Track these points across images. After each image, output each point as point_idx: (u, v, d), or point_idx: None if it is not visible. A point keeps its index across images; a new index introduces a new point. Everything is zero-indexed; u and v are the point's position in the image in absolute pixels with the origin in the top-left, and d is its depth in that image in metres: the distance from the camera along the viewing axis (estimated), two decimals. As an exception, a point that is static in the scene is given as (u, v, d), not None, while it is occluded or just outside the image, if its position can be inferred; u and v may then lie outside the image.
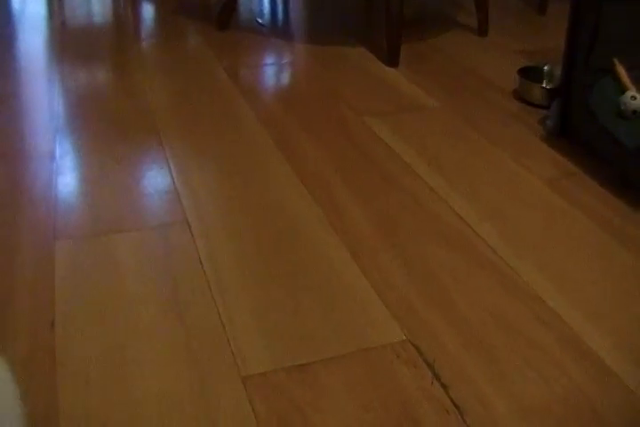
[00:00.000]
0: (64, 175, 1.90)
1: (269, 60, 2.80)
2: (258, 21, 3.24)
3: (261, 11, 3.44)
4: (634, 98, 1.89)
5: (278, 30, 3.16)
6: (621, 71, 2.00)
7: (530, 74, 2.42)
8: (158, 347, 1.32)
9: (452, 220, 1.71)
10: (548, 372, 1.27)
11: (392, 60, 2.66)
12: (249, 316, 1.40)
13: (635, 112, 1.88)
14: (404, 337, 1.34)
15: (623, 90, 1.95)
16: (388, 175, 1.90)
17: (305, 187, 1.84)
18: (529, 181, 1.89)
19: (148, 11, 3.47)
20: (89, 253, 1.59)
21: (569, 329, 1.37)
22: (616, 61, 2.02)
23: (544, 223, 1.71)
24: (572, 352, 1.31)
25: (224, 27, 3.07)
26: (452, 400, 1.21)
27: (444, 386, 1.24)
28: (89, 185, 1.85)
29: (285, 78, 2.63)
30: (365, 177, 1.89)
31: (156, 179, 1.89)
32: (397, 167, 1.94)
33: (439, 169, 1.93)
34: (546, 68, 2.48)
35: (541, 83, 2.43)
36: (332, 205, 1.76)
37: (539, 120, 2.23)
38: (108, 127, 2.18)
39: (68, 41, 2.98)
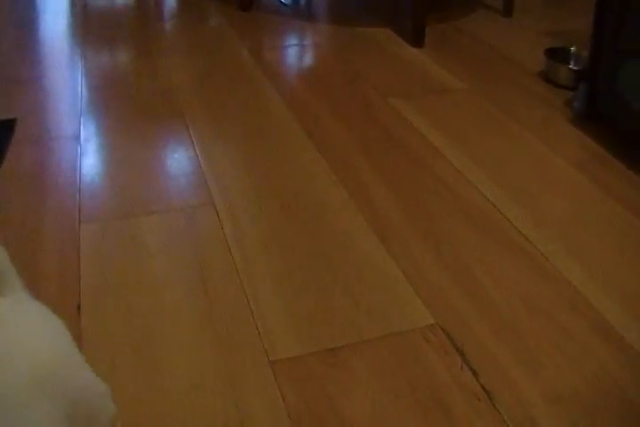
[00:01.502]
0: (89, 158, 1.89)
1: (293, 40, 2.79)
2: (281, 1, 3.22)
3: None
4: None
5: (301, 11, 3.14)
6: (651, 52, 1.98)
7: (556, 55, 2.40)
8: (185, 331, 1.31)
9: (481, 203, 1.70)
10: (577, 357, 1.26)
11: (417, 40, 2.64)
12: (276, 299, 1.39)
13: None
14: (434, 322, 1.33)
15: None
16: (414, 158, 1.89)
17: (331, 169, 1.83)
18: (557, 163, 1.87)
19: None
20: (115, 236, 1.58)
21: (598, 314, 1.36)
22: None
23: (572, 207, 1.69)
24: (601, 337, 1.30)
25: (247, 7, 3.05)
26: (482, 386, 1.20)
27: (473, 372, 1.23)
28: (114, 167, 1.85)
29: (309, 59, 2.61)
30: (392, 160, 1.88)
31: (181, 160, 1.88)
32: (424, 149, 1.93)
33: (466, 151, 1.92)
34: (573, 49, 2.45)
35: (568, 64, 2.40)
36: (359, 188, 1.75)
37: (565, 102, 2.21)
38: (132, 109, 2.17)
39: (91, 23, 2.97)
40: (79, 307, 1.37)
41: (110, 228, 1.61)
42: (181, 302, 1.38)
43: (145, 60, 2.57)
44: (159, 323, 1.33)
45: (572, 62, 2.41)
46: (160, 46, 2.69)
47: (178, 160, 1.88)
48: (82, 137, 1.99)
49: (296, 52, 2.69)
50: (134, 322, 1.33)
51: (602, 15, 2.00)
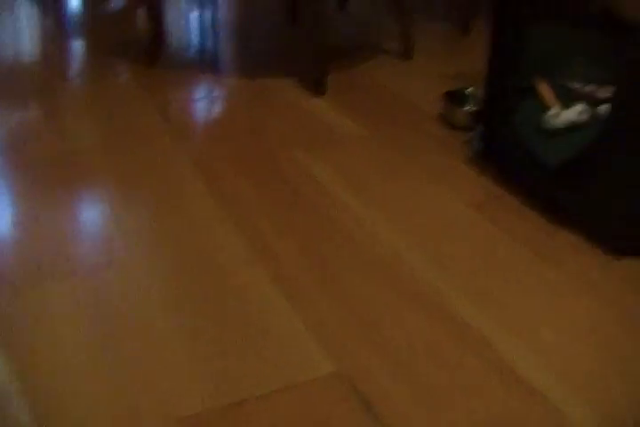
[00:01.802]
0: (-4, 224, 1.90)
1: (199, 94, 2.82)
2: (187, 56, 3.26)
3: (190, 45, 3.45)
4: (557, 115, 1.92)
5: (207, 64, 3.18)
6: (544, 89, 2.02)
7: (455, 97, 2.46)
8: (88, 392, 1.33)
9: (384, 252, 1.74)
10: (479, 398, 1.30)
11: (318, 90, 2.69)
12: (179, 357, 1.41)
13: (558, 129, 1.90)
14: (336, 370, 1.37)
15: (546, 108, 1.97)
16: (318, 210, 1.92)
17: (237, 228, 1.85)
18: (456, 206, 1.93)
19: (77, 50, 3.47)
20: (24, 303, 1.59)
21: (500, 356, 1.40)
22: (538, 79, 2.04)
23: (472, 249, 1.75)
24: (500, 377, 1.35)
25: (153, 62, 3.08)
26: (383, 431, 1.24)
27: (376, 418, 1.26)
28: (21, 232, 1.86)
29: (215, 114, 2.65)
30: (297, 214, 1.91)
31: (89, 223, 1.90)
32: (327, 201, 1.96)
33: (369, 200, 1.96)
34: (469, 90, 2.50)
35: (466, 105, 2.45)
36: (264, 246, 1.78)
37: (463, 144, 2.27)
38: (38, 171, 2.18)
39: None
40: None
41: (19, 295, 1.62)
42: (87, 366, 1.40)
43: (51, 121, 2.58)
44: (63, 386, 1.34)
45: (469, 104, 2.47)
46: (67, 106, 2.70)
47: (86, 223, 1.90)
48: (-11, 203, 2.00)
49: (202, 106, 2.72)
50: (38, 386, 1.35)
51: (494, 56, 2.06)
